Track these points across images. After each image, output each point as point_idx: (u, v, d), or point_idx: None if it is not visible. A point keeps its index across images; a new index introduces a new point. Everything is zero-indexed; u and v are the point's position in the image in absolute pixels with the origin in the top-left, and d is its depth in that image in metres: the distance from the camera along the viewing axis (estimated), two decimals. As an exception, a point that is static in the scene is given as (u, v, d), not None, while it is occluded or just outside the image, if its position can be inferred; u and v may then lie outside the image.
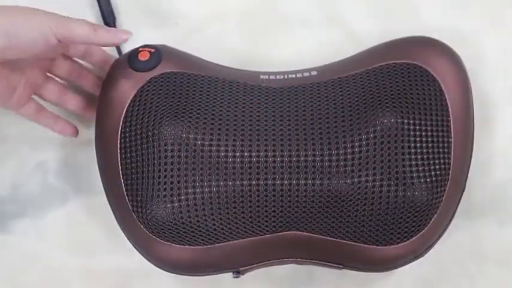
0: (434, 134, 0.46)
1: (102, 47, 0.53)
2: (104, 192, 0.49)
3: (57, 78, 0.53)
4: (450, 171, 0.46)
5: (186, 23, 0.57)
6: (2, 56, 0.44)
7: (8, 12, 0.43)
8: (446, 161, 0.46)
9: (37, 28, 0.43)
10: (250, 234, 0.47)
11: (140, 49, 0.49)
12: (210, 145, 0.45)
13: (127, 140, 0.46)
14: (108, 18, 0.55)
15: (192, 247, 0.47)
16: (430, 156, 0.45)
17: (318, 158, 0.45)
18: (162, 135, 0.45)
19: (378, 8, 0.56)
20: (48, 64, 0.51)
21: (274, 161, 0.45)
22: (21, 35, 0.43)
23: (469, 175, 0.49)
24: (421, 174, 0.45)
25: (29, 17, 0.43)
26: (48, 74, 0.52)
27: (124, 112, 0.47)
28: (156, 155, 0.45)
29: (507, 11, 0.56)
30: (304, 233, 0.47)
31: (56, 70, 0.52)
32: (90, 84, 0.54)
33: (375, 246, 0.47)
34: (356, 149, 0.45)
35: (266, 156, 0.45)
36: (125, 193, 0.46)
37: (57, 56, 0.51)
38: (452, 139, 0.46)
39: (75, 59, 0.53)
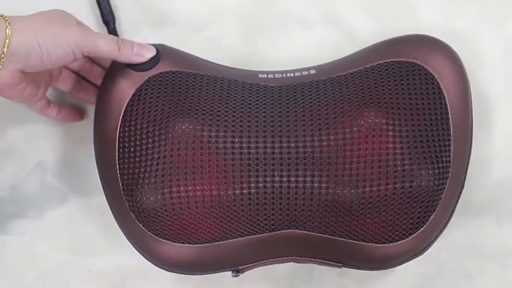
0: (434, 132, 0.46)
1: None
2: (102, 192, 0.49)
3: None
4: (449, 169, 0.46)
5: (185, 23, 0.57)
6: (34, 69, 0.46)
7: (37, 29, 0.44)
8: (446, 159, 0.46)
9: (64, 46, 0.45)
10: (250, 232, 0.47)
11: (139, 48, 0.49)
12: (209, 142, 0.45)
13: (125, 139, 0.46)
14: (107, 17, 0.55)
15: (191, 246, 0.47)
16: (429, 154, 0.45)
17: (317, 155, 0.45)
18: (160, 137, 0.45)
19: (377, 7, 0.56)
20: None
21: (273, 158, 0.45)
22: (50, 53, 0.44)
23: (468, 173, 0.49)
24: (420, 173, 0.45)
25: (57, 34, 0.45)
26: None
27: (123, 111, 0.47)
28: (154, 155, 0.45)
29: (505, 10, 0.56)
30: (304, 232, 0.47)
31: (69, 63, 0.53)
32: (100, 77, 0.54)
33: (374, 244, 0.47)
34: (355, 147, 0.45)
35: (265, 153, 0.45)
36: (123, 192, 0.47)
37: None
38: (452, 137, 0.46)
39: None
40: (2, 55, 0.43)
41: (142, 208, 0.46)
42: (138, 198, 0.46)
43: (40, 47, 0.44)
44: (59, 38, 0.45)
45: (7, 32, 0.43)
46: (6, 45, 0.43)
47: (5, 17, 0.44)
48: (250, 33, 0.57)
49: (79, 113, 0.56)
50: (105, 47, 0.46)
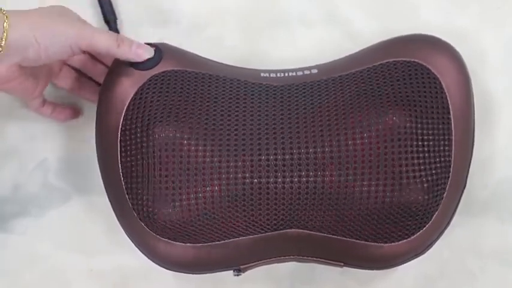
0: (435, 131, 0.46)
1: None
2: (104, 191, 0.49)
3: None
4: (451, 169, 0.46)
5: (186, 22, 0.57)
6: (32, 64, 0.46)
7: (35, 23, 0.44)
8: (447, 158, 0.46)
9: (62, 40, 0.45)
10: (252, 232, 0.47)
11: (141, 47, 0.49)
12: (212, 145, 0.45)
13: (127, 138, 0.46)
14: (109, 16, 0.55)
15: (194, 245, 0.47)
16: (431, 153, 0.45)
17: (319, 155, 0.45)
18: (162, 135, 0.45)
19: (377, 6, 0.56)
20: None
21: (275, 159, 0.45)
22: (47, 47, 0.44)
23: (470, 172, 0.49)
24: (421, 172, 0.45)
25: (55, 27, 0.45)
26: (63, 63, 0.53)
27: (124, 110, 0.47)
28: (156, 155, 0.45)
29: (506, 9, 0.56)
30: (305, 231, 0.47)
31: (70, 60, 0.53)
32: (102, 75, 0.54)
33: (376, 244, 0.47)
34: (358, 147, 0.45)
35: (267, 154, 0.45)
36: (125, 191, 0.46)
37: None
38: (453, 136, 0.46)
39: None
40: (0, 49, 0.43)
41: (146, 208, 0.46)
42: (141, 198, 0.46)
43: (37, 41, 0.44)
44: (57, 32, 0.45)
45: (5, 25, 0.43)
46: (4, 39, 0.43)
47: (3, 11, 0.44)
48: (251, 33, 0.57)
49: (74, 111, 0.56)
50: (104, 42, 0.46)
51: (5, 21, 0.43)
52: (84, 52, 0.53)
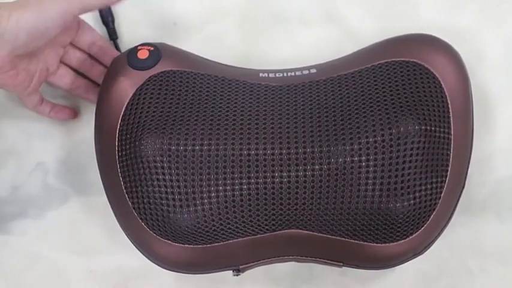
0: (435, 131, 0.46)
1: (105, 40, 0.55)
2: (104, 192, 0.49)
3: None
4: (449, 168, 0.46)
5: (185, 22, 0.57)
6: (25, 50, 0.46)
7: (20, 8, 0.44)
8: (446, 157, 0.46)
9: (60, 12, 0.46)
10: (251, 233, 0.47)
11: (139, 47, 0.49)
12: (209, 144, 0.45)
13: (125, 138, 0.46)
14: (107, 17, 0.55)
15: (193, 246, 0.47)
16: (430, 153, 0.45)
17: (316, 155, 0.45)
18: (161, 136, 0.45)
19: (377, 5, 0.56)
20: (61, 52, 0.52)
21: (273, 159, 0.45)
22: (38, 26, 0.45)
23: (469, 172, 0.48)
24: (420, 171, 0.45)
25: (42, 4, 0.45)
26: (60, 62, 0.53)
27: (123, 111, 0.47)
28: (154, 156, 0.45)
29: (506, 7, 0.56)
30: (304, 231, 0.47)
31: (68, 60, 0.53)
32: (100, 76, 0.54)
33: (374, 244, 0.47)
34: (355, 146, 0.45)
35: (265, 154, 0.45)
36: (125, 192, 0.46)
37: (67, 45, 0.52)
38: (452, 136, 0.46)
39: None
40: None
41: (145, 209, 0.46)
42: (140, 198, 0.46)
43: (26, 24, 0.44)
44: (45, 7, 0.45)
45: None
46: None
47: None
48: (250, 32, 0.57)
49: (72, 111, 0.56)
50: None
51: None
52: (81, 50, 0.53)
